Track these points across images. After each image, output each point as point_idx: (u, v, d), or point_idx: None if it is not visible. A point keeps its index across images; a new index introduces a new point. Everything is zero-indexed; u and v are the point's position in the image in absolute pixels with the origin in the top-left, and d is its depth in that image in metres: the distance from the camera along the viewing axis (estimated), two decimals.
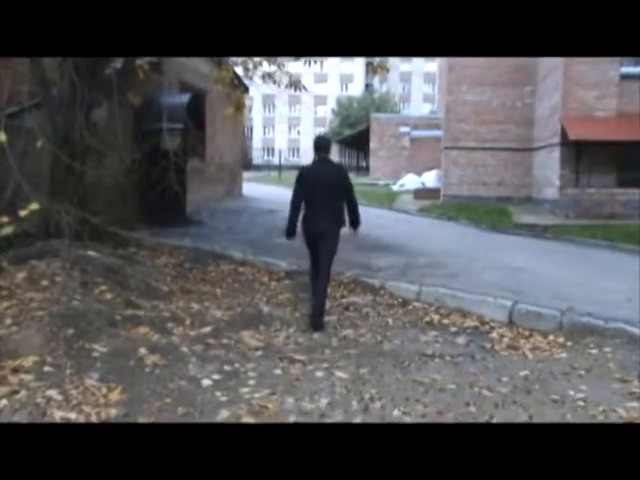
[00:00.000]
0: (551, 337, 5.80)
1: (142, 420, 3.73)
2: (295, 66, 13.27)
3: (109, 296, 6.02)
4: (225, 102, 13.04)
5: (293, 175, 6.89)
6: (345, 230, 6.33)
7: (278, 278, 7.90)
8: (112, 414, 3.77)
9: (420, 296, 7.02)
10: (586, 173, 15.31)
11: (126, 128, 10.19)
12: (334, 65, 67.00)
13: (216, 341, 5.35)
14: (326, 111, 69.27)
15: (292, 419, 3.83)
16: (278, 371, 4.74)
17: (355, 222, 6.33)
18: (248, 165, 48.80)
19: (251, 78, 10.70)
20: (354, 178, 6.80)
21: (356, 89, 69.59)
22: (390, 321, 6.32)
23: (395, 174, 35.52)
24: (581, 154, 15.24)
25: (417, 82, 73.84)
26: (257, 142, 70.46)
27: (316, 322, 5.97)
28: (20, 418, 3.62)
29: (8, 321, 5.07)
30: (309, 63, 8.81)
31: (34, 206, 4.73)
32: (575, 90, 15.29)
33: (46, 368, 4.34)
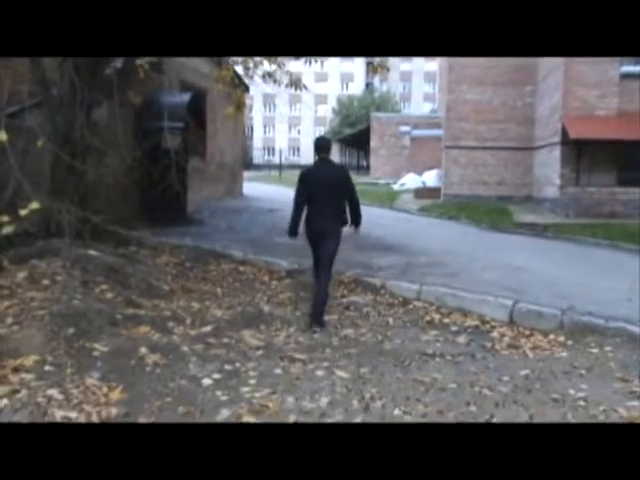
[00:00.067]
0: (552, 336, 5.80)
1: (143, 419, 3.73)
2: (295, 65, 13.27)
3: (110, 295, 6.02)
4: (225, 101, 13.05)
5: (293, 174, 6.91)
6: (346, 229, 6.37)
7: (279, 277, 7.91)
8: (113, 413, 3.77)
9: (421, 295, 7.02)
10: (586, 172, 15.31)
11: (127, 127, 10.19)
12: (334, 64, 66.96)
13: (217, 340, 5.35)
14: (326, 110, 69.25)
15: (292, 418, 3.83)
16: (279, 370, 4.74)
17: (356, 221, 6.39)
18: (249, 164, 48.84)
19: (251, 77, 10.72)
20: (354, 177, 6.81)
21: (357, 88, 69.56)
22: (391, 320, 6.33)
23: (396, 173, 35.51)
24: (582, 153, 15.24)
25: (417, 81, 73.80)
26: (257, 141, 70.48)
27: (316, 320, 5.99)
28: (21, 417, 3.62)
29: (9, 320, 5.07)
30: (309, 62, 8.80)
31: (35, 205, 4.73)
32: (576, 89, 15.29)
33: (47, 367, 4.35)
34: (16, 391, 3.94)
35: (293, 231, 6.27)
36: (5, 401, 3.79)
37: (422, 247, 10.49)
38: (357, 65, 70.59)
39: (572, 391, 4.40)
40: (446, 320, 6.34)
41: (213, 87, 13.08)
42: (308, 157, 54.64)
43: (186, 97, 12.46)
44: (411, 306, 6.81)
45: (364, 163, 51.10)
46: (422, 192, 22.26)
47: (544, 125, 17.52)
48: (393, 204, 20.25)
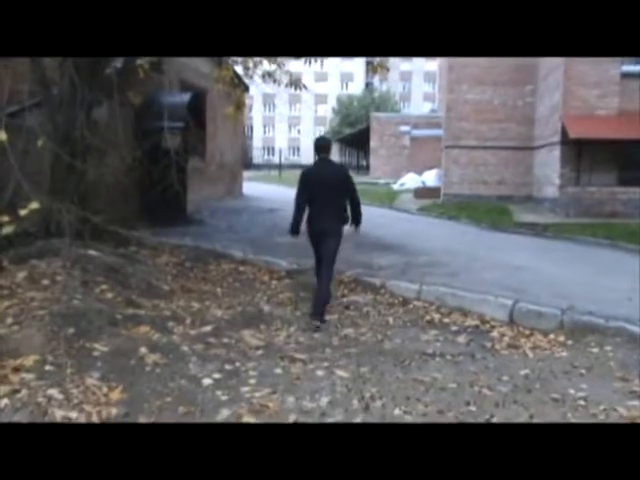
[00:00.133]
0: (552, 336, 5.80)
1: (143, 419, 3.73)
2: (295, 65, 13.29)
3: (110, 295, 6.02)
4: (225, 101, 13.05)
5: (293, 174, 6.95)
6: (347, 228, 6.41)
7: (279, 277, 7.91)
8: (113, 413, 3.77)
9: (421, 295, 7.02)
10: (587, 172, 15.31)
11: (127, 127, 10.19)
12: (334, 64, 66.92)
13: (217, 340, 5.35)
14: (326, 110, 69.24)
15: (293, 418, 3.83)
16: (279, 370, 4.74)
17: (357, 220, 6.46)
18: (248, 164, 48.84)
19: (251, 77, 10.73)
20: (354, 177, 6.83)
21: (356, 88, 69.54)
22: (391, 320, 6.33)
23: (395, 173, 35.50)
24: (582, 153, 15.24)
25: (417, 81, 73.80)
26: (257, 141, 70.48)
27: (317, 317, 6.00)
28: (21, 417, 3.62)
29: (9, 320, 5.07)
30: (309, 62, 8.80)
31: (35, 205, 4.73)
32: (576, 89, 15.29)
33: (47, 367, 4.35)
34: (16, 391, 3.94)
35: (295, 230, 6.37)
36: (5, 401, 3.79)
37: (422, 247, 10.49)
38: (357, 65, 70.56)
39: (572, 391, 4.40)
40: (446, 320, 6.34)
41: (213, 87, 13.09)
42: (308, 157, 54.63)
43: (186, 97, 12.47)
44: (411, 306, 6.81)
45: (364, 163, 51.10)
46: (422, 192, 22.25)
47: (544, 125, 17.52)
48: (393, 204, 20.25)
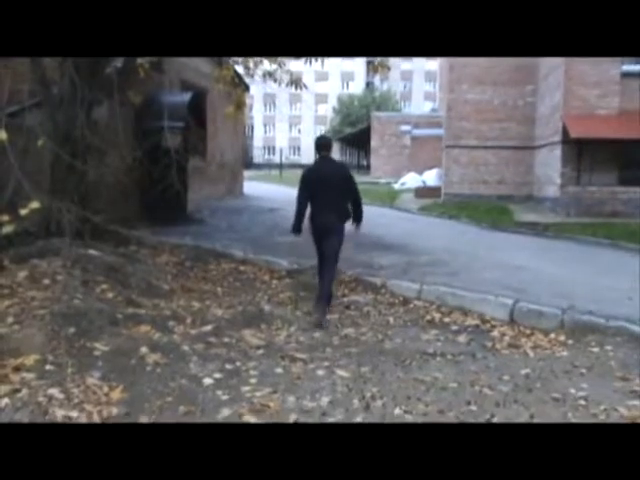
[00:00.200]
0: (552, 335, 5.80)
1: (143, 419, 3.73)
2: (296, 64, 13.29)
3: (110, 295, 6.03)
4: (226, 101, 13.04)
5: (294, 174, 6.98)
6: (348, 227, 6.44)
7: (279, 277, 7.91)
8: (113, 413, 3.77)
9: (421, 294, 7.02)
10: (587, 171, 15.31)
11: (127, 126, 10.19)
12: (335, 63, 66.88)
13: (217, 340, 5.35)
14: (327, 109, 69.22)
15: (293, 418, 3.83)
16: (279, 370, 4.74)
17: (358, 218, 6.51)
18: (249, 164, 48.83)
19: (252, 77, 10.74)
20: (355, 176, 6.84)
21: (357, 87, 69.52)
22: (391, 320, 6.33)
23: (396, 172, 35.48)
24: (582, 152, 15.23)
25: (418, 80, 73.77)
26: (258, 141, 70.47)
27: (320, 316, 6.00)
28: (22, 417, 3.62)
29: (10, 320, 5.08)
30: (310, 61, 8.81)
31: (35, 205, 4.73)
32: (576, 88, 15.28)
33: (47, 367, 4.35)
34: (17, 390, 3.94)
35: (296, 229, 6.44)
36: (6, 400, 3.79)
37: (423, 246, 10.49)
38: (357, 64, 70.53)
39: (573, 390, 4.40)
40: (447, 319, 6.34)
41: (213, 86, 13.08)
42: (308, 156, 54.62)
43: (186, 96, 12.47)
44: (412, 305, 6.81)
45: (364, 162, 51.08)
46: (423, 191, 22.26)
47: (545, 124, 17.52)
48: (394, 203, 20.25)
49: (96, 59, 7.97)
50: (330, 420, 3.82)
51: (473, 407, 4.08)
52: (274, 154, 63.73)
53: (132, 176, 10.88)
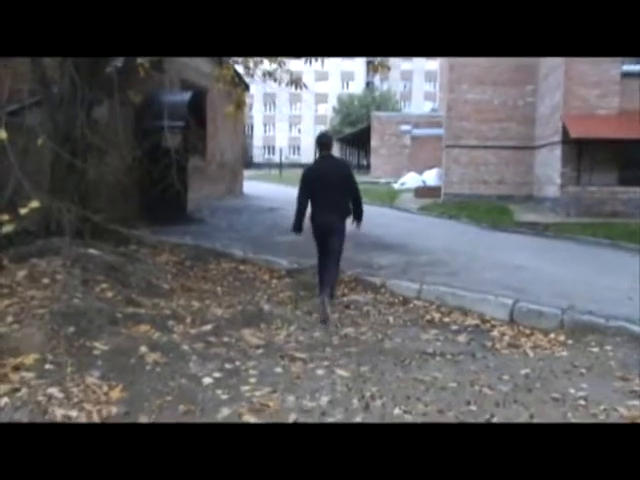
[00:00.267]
0: (552, 335, 5.80)
1: (143, 418, 3.73)
2: (296, 64, 13.28)
3: (110, 294, 6.03)
4: (226, 100, 13.04)
5: (294, 173, 7.00)
6: (349, 226, 6.47)
7: (279, 276, 7.91)
8: (113, 412, 3.77)
9: (421, 294, 7.02)
10: (587, 171, 15.30)
11: (127, 126, 10.19)
12: (335, 63, 66.88)
13: (217, 339, 5.35)
14: (327, 109, 69.22)
15: (293, 417, 3.83)
16: (279, 369, 4.74)
17: (358, 215, 6.56)
18: (249, 163, 48.81)
19: (252, 76, 10.73)
20: (355, 176, 6.86)
21: (357, 87, 69.52)
22: (391, 319, 6.33)
23: (396, 172, 35.48)
24: (582, 152, 15.23)
25: (418, 80, 73.76)
26: (258, 140, 70.46)
27: (324, 310, 6.06)
28: (21, 416, 3.62)
29: (9, 319, 5.08)
30: (310, 61, 8.81)
31: (35, 204, 4.73)
32: (576, 88, 15.28)
33: (47, 366, 4.35)
34: (16, 389, 3.94)
35: (297, 227, 6.50)
36: (5, 399, 3.79)
37: (422, 246, 10.49)
38: (357, 64, 70.51)
39: (572, 390, 4.40)
40: (446, 319, 6.34)
41: (213, 86, 13.08)
42: (308, 156, 54.65)
43: (186, 96, 12.47)
44: (411, 305, 6.81)
45: (364, 162, 51.07)
46: (422, 191, 22.25)
47: (545, 124, 17.52)
48: (393, 203, 20.24)
49: (96, 58, 7.97)
50: (329, 420, 3.83)
51: (473, 407, 4.08)
52: (274, 154, 63.71)
53: (132, 175, 10.88)
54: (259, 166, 55.24)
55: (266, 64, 10.09)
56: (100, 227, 7.85)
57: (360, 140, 48.41)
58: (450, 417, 3.91)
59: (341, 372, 4.69)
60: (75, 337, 4.86)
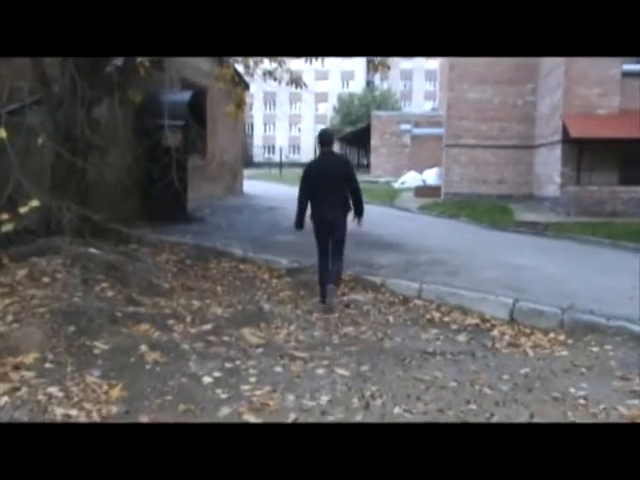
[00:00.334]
0: (552, 335, 5.80)
1: (143, 417, 3.74)
2: (296, 63, 13.25)
3: (110, 293, 6.03)
4: (226, 99, 13.02)
5: (294, 172, 7.02)
6: (350, 224, 6.51)
7: (279, 275, 7.91)
8: (113, 411, 3.78)
9: (421, 294, 7.02)
10: (587, 171, 15.30)
11: (127, 125, 10.18)
12: (335, 62, 66.82)
13: (217, 338, 5.36)
14: (327, 108, 69.20)
15: (293, 416, 3.84)
16: (279, 368, 4.74)
17: (359, 211, 6.60)
18: (249, 162, 48.80)
19: (252, 75, 10.72)
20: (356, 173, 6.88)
21: (357, 86, 69.47)
22: (391, 319, 6.33)
23: (396, 171, 35.46)
24: (582, 152, 15.23)
25: (418, 79, 73.75)
26: (258, 139, 70.44)
27: (330, 299, 6.17)
28: (21, 415, 3.63)
29: (9, 318, 5.08)
30: (310, 60, 8.81)
31: (35, 203, 4.73)
32: (577, 88, 15.28)
33: (47, 365, 4.36)
34: (16, 389, 3.95)
35: (299, 224, 6.59)
36: (5, 398, 3.79)
37: (422, 245, 10.49)
38: (358, 63, 70.45)
39: (572, 390, 4.40)
40: (446, 318, 6.34)
41: (214, 85, 13.07)
42: (308, 155, 54.59)
43: (187, 95, 12.46)
44: (411, 304, 6.81)
45: (365, 161, 51.06)
46: (422, 190, 22.25)
47: (545, 123, 17.51)
48: (393, 202, 20.24)
49: (96, 58, 7.96)
50: (330, 419, 3.83)
51: (473, 406, 4.08)
52: (274, 153, 63.68)
53: (132, 175, 10.85)
54: (259, 165, 55.22)
55: (266, 63, 10.09)
56: (100, 226, 7.85)
57: (360, 139, 48.40)
58: (450, 416, 3.92)
59: (341, 371, 4.70)
60: (75, 336, 4.86)
